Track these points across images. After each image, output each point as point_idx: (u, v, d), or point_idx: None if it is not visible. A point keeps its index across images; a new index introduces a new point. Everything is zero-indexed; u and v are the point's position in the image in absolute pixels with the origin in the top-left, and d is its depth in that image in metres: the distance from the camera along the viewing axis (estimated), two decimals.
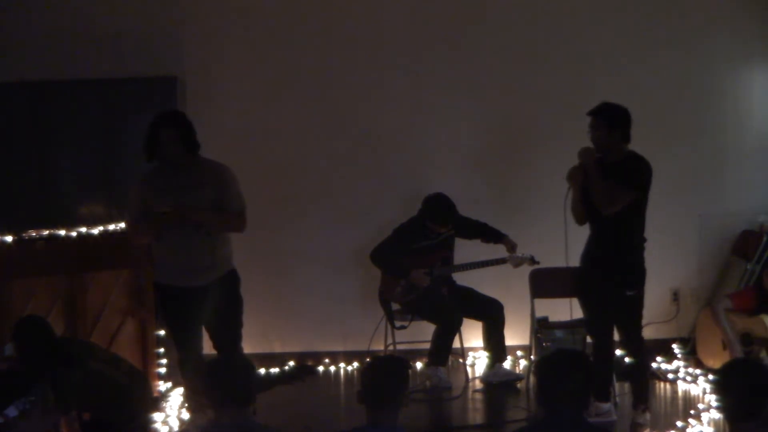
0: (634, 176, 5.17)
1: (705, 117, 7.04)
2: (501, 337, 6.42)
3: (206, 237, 5.14)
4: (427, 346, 6.42)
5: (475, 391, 6.34)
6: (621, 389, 5.86)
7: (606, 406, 5.42)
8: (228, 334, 5.35)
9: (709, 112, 7.05)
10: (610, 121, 5.24)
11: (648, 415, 5.40)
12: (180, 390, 5.97)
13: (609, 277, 5.28)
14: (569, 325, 6.05)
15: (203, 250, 5.16)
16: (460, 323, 6.36)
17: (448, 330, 6.32)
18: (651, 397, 5.68)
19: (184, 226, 5.07)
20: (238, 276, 5.36)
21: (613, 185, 5.14)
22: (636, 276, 5.30)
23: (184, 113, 5.26)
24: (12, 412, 3.08)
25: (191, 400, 5.52)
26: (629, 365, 5.58)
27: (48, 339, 4.66)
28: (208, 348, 5.46)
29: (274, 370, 6.72)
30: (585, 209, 5.34)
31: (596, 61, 6.95)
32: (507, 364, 6.52)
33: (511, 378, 6.40)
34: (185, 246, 5.12)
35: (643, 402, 5.41)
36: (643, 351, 5.48)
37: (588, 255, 5.40)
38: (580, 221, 5.43)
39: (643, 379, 5.49)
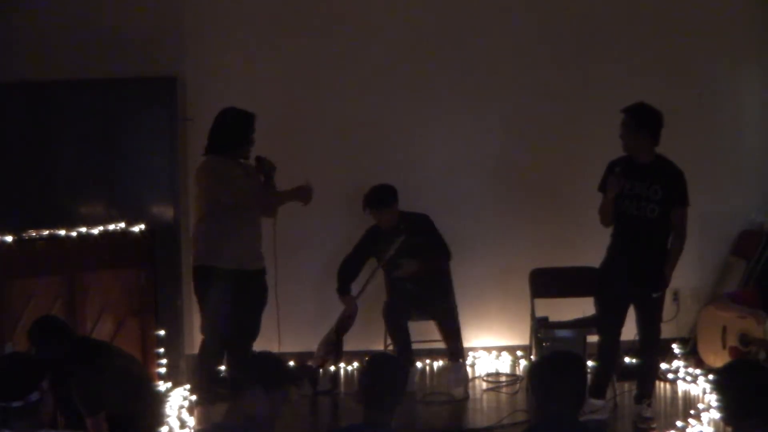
0: (686, 193, 5.37)
1: (705, 116, 7.04)
2: (451, 332, 6.13)
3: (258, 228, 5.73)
4: (429, 345, 6.42)
5: (484, 390, 6.32)
6: (621, 389, 5.87)
7: (600, 403, 5.47)
8: (250, 326, 5.68)
9: (709, 111, 7.05)
10: (640, 121, 5.31)
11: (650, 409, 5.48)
12: (178, 391, 5.98)
13: (638, 280, 5.35)
14: (569, 325, 6.06)
15: (257, 238, 5.70)
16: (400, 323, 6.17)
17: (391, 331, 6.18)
18: (651, 395, 5.69)
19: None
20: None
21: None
22: (663, 279, 5.42)
23: None
24: (34, 396, 3.14)
25: (205, 391, 5.66)
26: (633, 365, 5.68)
27: (67, 339, 4.64)
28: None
29: None
30: (613, 212, 5.41)
31: (600, 62, 6.97)
32: (503, 364, 6.49)
33: (465, 383, 6.15)
34: (249, 231, 5.63)
35: (648, 396, 5.50)
36: (659, 349, 5.64)
37: (614, 256, 5.45)
38: (608, 223, 5.48)
39: (653, 376, 5.63)
